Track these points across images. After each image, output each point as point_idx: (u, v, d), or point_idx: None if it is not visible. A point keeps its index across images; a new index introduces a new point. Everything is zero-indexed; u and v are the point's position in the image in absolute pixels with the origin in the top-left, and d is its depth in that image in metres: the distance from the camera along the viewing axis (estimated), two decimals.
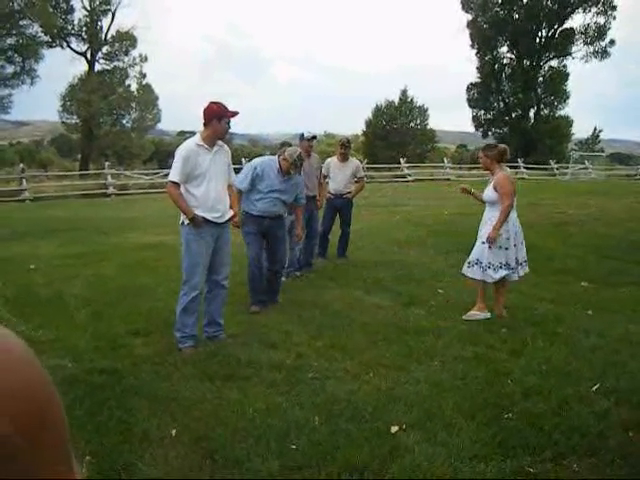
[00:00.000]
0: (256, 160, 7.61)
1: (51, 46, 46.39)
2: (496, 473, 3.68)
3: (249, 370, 5.49)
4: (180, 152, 6.01)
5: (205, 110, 6.06)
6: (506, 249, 6.98)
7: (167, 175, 6.32)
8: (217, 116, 6.01)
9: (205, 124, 6.07)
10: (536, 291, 8.23)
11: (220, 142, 6.23)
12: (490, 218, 7.10)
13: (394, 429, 4.26)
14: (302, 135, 9.58)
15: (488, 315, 7.07)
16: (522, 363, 5.60)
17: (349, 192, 10.64)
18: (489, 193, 7.17)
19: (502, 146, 7.35)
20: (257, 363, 5.64)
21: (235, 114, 6.14)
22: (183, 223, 6.10)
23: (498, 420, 4.41)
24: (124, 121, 50.68)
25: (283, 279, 8.70)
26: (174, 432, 4.29)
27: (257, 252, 7.51)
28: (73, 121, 49.59)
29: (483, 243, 7.07)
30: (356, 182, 10.82)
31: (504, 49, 57.60)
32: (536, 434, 4.19)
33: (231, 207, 6.36)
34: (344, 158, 10.54)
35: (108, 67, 49.84)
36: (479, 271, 7.09)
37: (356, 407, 4.65)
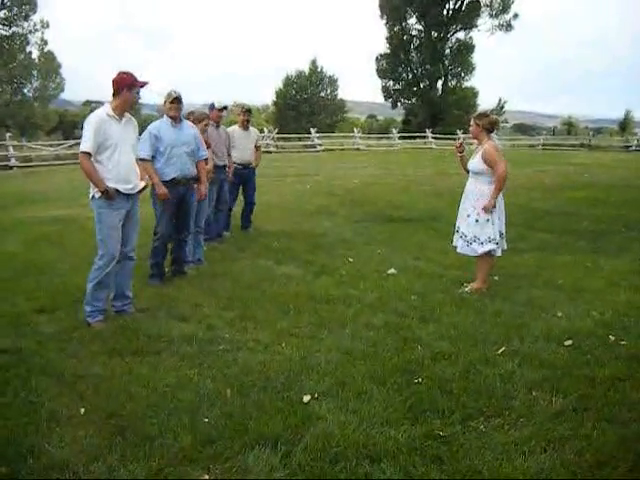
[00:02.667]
0: (150, 125, 7.47)
1: None
2: (407, 437, 3.74)
3: (159, 344, 5.41)
4: (90, 121, 5.86)
5: (115, 80, 5.95)
6: (492, 223, 6.83)
7: (73, 146, 6.14)
8: (127, 86, 5.91)
9: (115, 94, 5.94)
10: (444, 258, 8.39)
11: (127, 114, 6.13)
12: (473, 190, 6.92)
13: (306, 398, 4.28)
14: (212, 105, 9.50)
15: (483, 289, 6.92)
16: (431, 329, 5.71)
17: (253, 161, 10.61)
18: (476, 163, 6.89)
19: (494, 116, 7.07)
20: (167, 336, 5.56)
21: (145, 84, 6.06)
22: (94, 197, 5.93)
23: (408, 386, 4.49)
24: (25, 90, 48.79)
25: (205, 248, 8.71)
26: (83, 410, 4.18)
27: (168, 226, 7.37)
28: None
29: (468, 216, 6.93)
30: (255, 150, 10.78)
31: (412, 20, 58.24)
32: (445, 398, 4.29)
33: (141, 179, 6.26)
34: (246, 126, 10.47)
35: (6, 33, 47.68)
36: (464, 245, 6.99)
37: (268, 378, 4.64)
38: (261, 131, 25.37)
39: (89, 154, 5.79)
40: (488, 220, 6.83)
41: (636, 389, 4.44)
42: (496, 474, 3.38)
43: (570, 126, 66.61)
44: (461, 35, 58.40)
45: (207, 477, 3.40)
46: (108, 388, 4.54)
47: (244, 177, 10.51)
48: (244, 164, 10.40)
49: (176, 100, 7.24)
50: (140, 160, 6.67)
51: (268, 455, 3.58)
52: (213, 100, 9.60)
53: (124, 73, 5.97)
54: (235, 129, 10.39)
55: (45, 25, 48.03)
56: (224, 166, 9.58)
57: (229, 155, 9.82)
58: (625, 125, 63.61)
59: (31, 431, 3.92)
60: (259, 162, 10.89)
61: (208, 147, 8.37)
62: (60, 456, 3.61)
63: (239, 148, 10.26)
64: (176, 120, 7.33)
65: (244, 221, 10.97)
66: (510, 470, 3.41)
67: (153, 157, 7.19)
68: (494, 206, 6.77)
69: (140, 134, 6.68)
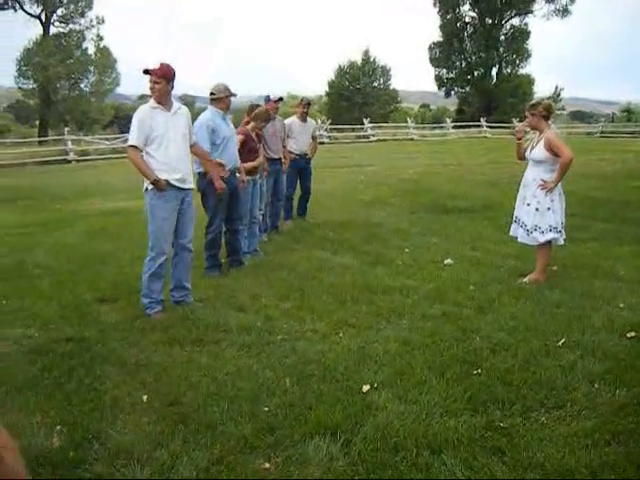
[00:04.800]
0: (202, 119, 7.38)
1: (3, 8, 45.10)
2: (467, 428, 3.72)
3: (218, 334, 5.48)
4: (136, 116, 6.04)
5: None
6: (553, 211, 6.72)
7: (127, 140, 6.25)
8: (166, 77, 5.99)
9: None
10: (501, 248, 8.29)
11: (178, 104, 6.24)
12: (535, 178, 6.78)
13: (366, 388, 4.29)
14: (268, 97, 9.56)
15: (542, 280, 6.81)
16: (489, 319, 5.65)
17: (309, 152, 10.70)
18: (537, 152, 6.76)
19: (546, 101, 6.95)
20: (226, 326, 5.63)
21: (149, 70, 5.97)
22: (147, 189, 6.05)
23: (467, 376, 4.46)
24: (82, 85, 49.70)
25: (265, 239, 8.90)
26: (145, 398, 4.28)
27: (222, 217, 7.46)
28: (30, 86, 48.52)
29: (528, 205, 6.83)
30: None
31: (466, 7, 57.53)
32: (505, 389, 4.24)
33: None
34: (305, 118, 10.57)
35: (64, 30, 48.74)
36: (524, 234, 6.90)
37: (327, 367, 4.66)
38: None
39: (137, 147, 5.95)
40: (549, 208, 6.71)
41: None
42: (558, 467, 3.33)
43: (629, 113, 64.91)
44: (516, 21, 57.51)
45: (268, 465, 3.44)
46: (169, 376, 4.62)
47: (301, 167, 10.63)
48: (301, 155, 10.51)
49: (230, 95, 7.40)
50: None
51: (328, 444, 3.60)
52: (268, 93, 9.65)
53: (163, 64, 6.03)
54: (294, 120, 10.47)
55: (101, 21, 48.86)
56: (279, 159, 9.66)
57: (284, 147, 9.89)
58: None
59: (96, 417, 4.02)
60: (315, 153, 10.98)
61: (259, 141, 8.48)
62: (125, 442, 3.69)
63: (297, 139, 10.39)
64: (226, 113, 7.47)
65: (300, 209, 11.11)
66: (573, 463, 3.35)
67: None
68: (551, 190, 6.65)
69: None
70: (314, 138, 10.90)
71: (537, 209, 6.74)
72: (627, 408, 3.96)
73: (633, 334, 5.16)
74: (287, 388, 4.34)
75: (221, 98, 7.35)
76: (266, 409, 4.04)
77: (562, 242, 6.94)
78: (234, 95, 7.46)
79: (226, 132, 7.35)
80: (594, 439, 3.59)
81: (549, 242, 6.81)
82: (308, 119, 10.77)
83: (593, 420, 3.82)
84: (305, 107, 10.56)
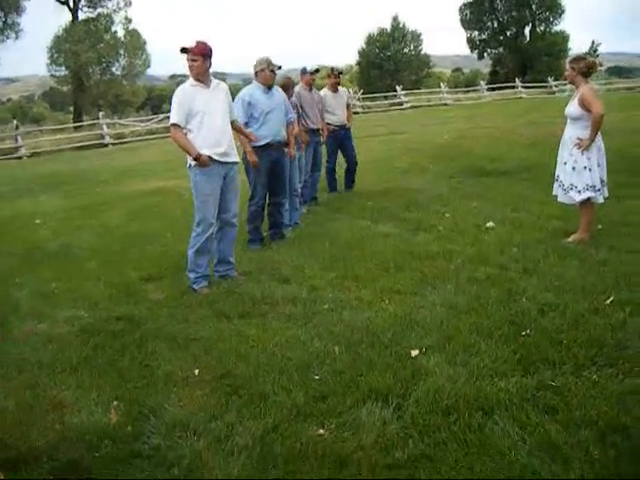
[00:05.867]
0: (240, 93, 7.59)
1: None
2: (518, 388, 3.72)
3: (265, 306, 5.54)
4: (176, 94, 6.13)
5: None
6: (590, 170, 6.61)
7: (163, 120, 6.35)
8: (204, 54, 6.02)
9: None
10: (543, 209, 8.18)
11: (217, 80, 6.29)
12: (571, 137, 6.71)
13: (414, 353, 4.30)
14: (304, 69, 9.57)
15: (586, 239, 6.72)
16: (535, 281, 5.60)
17: (347, 122, 10.64)
18: (572, 109, 6.69)
19: (591, 59, 6.80)
20: (272, 298, 5.68)
21: (187, 49, 6.00)
22: (190, 166, 6.12)
23: (516, 338, 4.44)
24: (114, 69, 49.92)
25: (304, 210, 9.01)
26: (197, 372, 4.35)
27: (264, 190, 7.54)
28: (62, 73, 48.93)
29: (565, 164, 6.76)
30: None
31: None
32: (555, 349, 4.21)
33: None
34: (336, 88, 10.50)
35: (92, 15, 48.85)
36: (562, 193, 6.84)
37: (375, 334, 4.68)
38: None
39: (178, 126, 6.01)
40: (585, 167, 6.60)
41: None
42: (612, 423, 3.31)
43: None
44: None
45: (322, 432, 3.48)
46: (219, 350, 4.69)
47: (341, 138, 10.61)
48: (340, 125, 10.47)
49: (273, 69, 7.43)
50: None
51: (380, 409, 3.63)
52: (304, 65, 9.64)
53: (199, 42, 6.07)
54: (327, 92, 10.43)
55: (128, 3, 48.83)
56: (318, 129, 9.66)
57: (322, 118, 9.86)
58: None
59: (151, 392, 4.11)
60: (352, 122, 10.93)
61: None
62: (180, 415, 3.77)
63: (333, 110, 10.36)
64: (269, 87, 7.43)
65: (347, 181, 11.08)
66: (628, 419, 3.32)
67: (246, 123, 7.28)
68: (587, 148, 6.54)
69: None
70: (348, 107, 10.82)
71: (574, 168, 6.65)
72: None
73: None
74: (336, 356, 4.38)
75: (259, 72, 7.38)
76: (317, 377, 4.09)
77: (602, 200, 6.80)
78: (276, 67, 7.47)
79: (266, 105, 7.41)
80: None
81: (589, 200, 6.70)
82: (340, 89, 10.70)
83: None
84: (336, 77, 10.49)
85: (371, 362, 4.22)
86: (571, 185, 6.69)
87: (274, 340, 4.74)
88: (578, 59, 6.73)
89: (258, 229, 7.69)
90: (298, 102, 9.00)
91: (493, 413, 3.50)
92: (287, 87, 8.23)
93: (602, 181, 6.72)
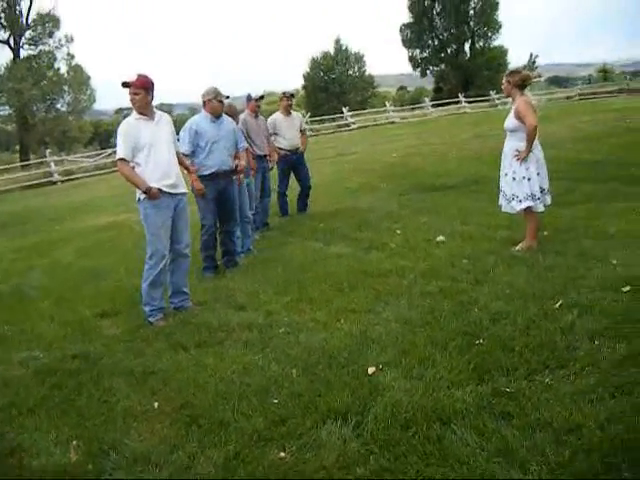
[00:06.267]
0: (188, 121, 7.69)
1: None
2: (474, 397, 3.78)
3: (221, 334, 5.53)
4: (120, 129, 6.11)
5: None
6: (529, 179, 6.78)
7: (111, 155, 6.34)
8: (145, 87, 6.04)
9: None
10: (491, 220, 8.34)
11: (160, 112, 6.30)
12: (511, 148, 6.90)
13: (371, 370, 4.34)
14: (249, 96, 9.61)
15: (533, 246, 6.87)
16: (486, 290, 5.71)
17: (301, 145, 10.64)
18: (509, 122, 6.90)
19: (525, 72, 7.05)
20: (228, 326, 5.68)
21: (128, 83, 6.00)
22: (140, 199, 6.11)
23: (470, 347, 4.51)
24: (59, 105, 49.32)
25: (257, 236, 9.04)
26: (156, 405, 4.33)
27: (214, 218, 7.57)
28: (6, 112, 48.22)
29: (506, 175, 6.95)
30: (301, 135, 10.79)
31: None
32: (508, 355, 4.30)
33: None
34: (289, 112, 10.49)
35: (34, 52, 48.29)
36: (505, 203, 7.03)
37: (331, 354, 4.71)
38: None
39: (125, 160, 6.02)
40: (524, 177, 6.80)
41: None
42: (567, 424, 3.39)
43: (605, 72, 65.09)
44: None
45: (283, 455, 3.49)
46: (177, 381, 4.67)
47: (294, 162, 10.60)
48: (292, 149, 10.46)
49: (221, 99, 7.49)
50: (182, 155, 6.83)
51: (340, 428, 3.66)
52: (249, 91, 9.71)
53: (141, 75, 6.09)
54: (278, 116, 10.44)
55: (70, 39, 48.39)
56: (265, 155, 9.67)
57: (269, 144, 9.89)
58: None
59: (110, 428, 4.07)
60: (305, 146, 10.90)
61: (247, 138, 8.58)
62: (141, 449, 3.74)
63: (285, 134, 10.35)
64: (217, 116, 7.49)
65: (301, 204, 11.09)
66: (581, 418, 3.41)
67: (193, 152, 7.33)
68: (525, 159, 6.73)
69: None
70: (302, 132, 10.80)
71: (514, 178, 6.88)
72: (629, 360, 4.02)
73: (628, 288, 5.21)
74: (294, 379, 4.40)
75: (207, 102, 7.43)
76: (275, 401, 4.09)
77: (542, 209, 6.97)
78: (224, 97, 7.53)
79: (212, 135, 7.45)
80: (599, 394, 3.65)
81: (530, 209, 6.88)
82: (293, 112, 10.72)
83: (596, 375, 3.88)
84: (288, 100, 10.50)
85: (329, 382, 4.24)
86: (513, 195, 6.88)
87: (232, 367, 4.73)
88: (513, 72, 6.95)
89: (212, 257, 7.71)
90: (244, 129, 9.04)
91: (451, 423, 3.55)
92: (232, 115, 8.26)
93: (542, 190, 6.89)
